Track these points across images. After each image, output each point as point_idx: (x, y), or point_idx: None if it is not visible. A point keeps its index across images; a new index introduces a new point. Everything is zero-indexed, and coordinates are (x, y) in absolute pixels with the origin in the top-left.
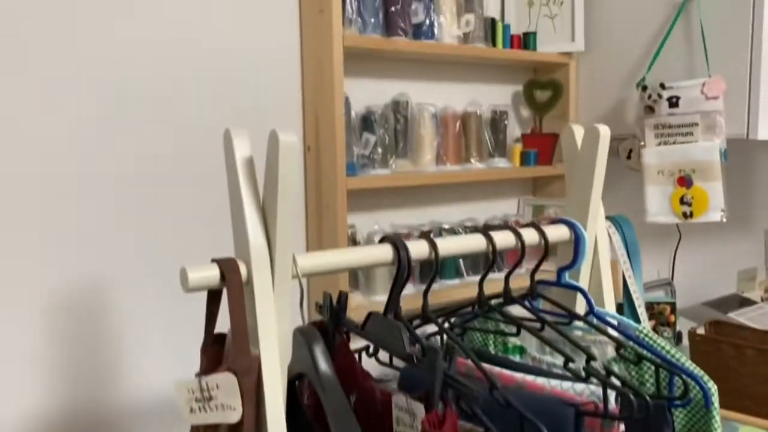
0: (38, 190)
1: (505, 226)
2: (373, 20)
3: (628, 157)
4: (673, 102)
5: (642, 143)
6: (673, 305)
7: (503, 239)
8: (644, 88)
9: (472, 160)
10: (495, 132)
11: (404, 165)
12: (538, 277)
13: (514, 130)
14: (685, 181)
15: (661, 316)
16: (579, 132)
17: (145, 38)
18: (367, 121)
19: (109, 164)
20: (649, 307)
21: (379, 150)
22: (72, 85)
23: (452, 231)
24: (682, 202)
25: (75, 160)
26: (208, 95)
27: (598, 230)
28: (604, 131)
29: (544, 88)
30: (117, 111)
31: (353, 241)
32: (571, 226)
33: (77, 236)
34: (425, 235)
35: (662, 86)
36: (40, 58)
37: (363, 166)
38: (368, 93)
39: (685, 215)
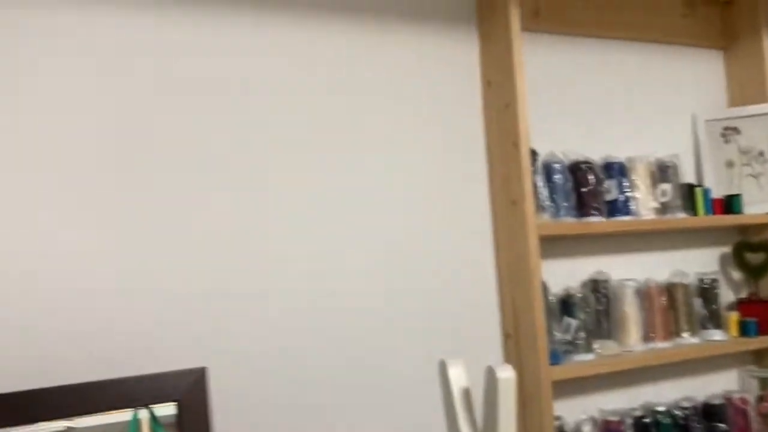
0: None
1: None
2: (565, 204)
3: None
4: None
5: None
6: None
7: None
8: None
9: (684, 335)
10: (706, 301)
11: (609, 346)
12: None
13: (726, 296)
14: None
15: None
16: None
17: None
18: (566, 305)
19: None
20: None
21: (582, 334)
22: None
23: (668, 414)
24: None
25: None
26: (405, 291)
27: None
28: None
29: (756, 250)
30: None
31: None
32: None
33: None
34: None
35: None
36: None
37: (565, 352)
38: (564, 273)
39: None
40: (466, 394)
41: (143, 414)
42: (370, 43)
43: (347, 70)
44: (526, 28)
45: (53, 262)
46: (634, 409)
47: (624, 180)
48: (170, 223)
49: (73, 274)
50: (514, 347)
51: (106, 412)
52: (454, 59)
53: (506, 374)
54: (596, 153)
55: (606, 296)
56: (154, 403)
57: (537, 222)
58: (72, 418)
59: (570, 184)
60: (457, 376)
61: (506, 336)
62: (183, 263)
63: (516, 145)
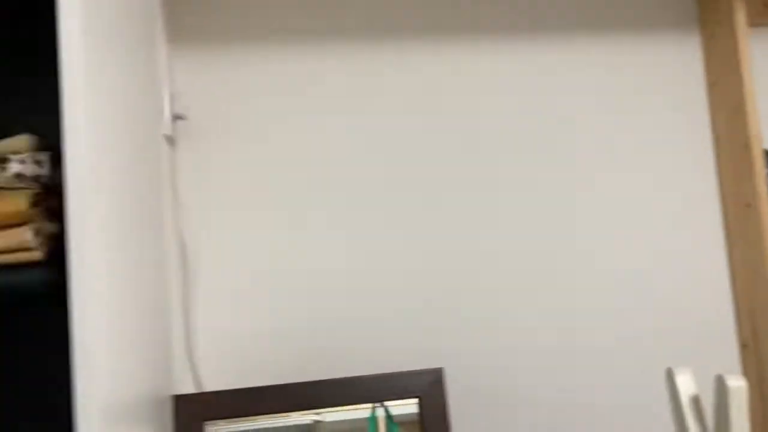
0: None
1: None
2: None
3: None
4: None
5: None
6: None
7: None
8: None
9: None
10: None
11: None
12: None
13: None
14: None
15: None
16: None
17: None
18: None
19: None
20: None
21: None
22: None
23: None
24: None
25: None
26: (634, 301)
27: None
28: None
29: None
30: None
31: None
32: None
33: None
34: None
35: None
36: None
37: None
38: None
39: None
40: (696, 402)
41: (380, 412)
42: (592, 57)
43: (574, 83)
44: (753, 23)
45: (309, 263)
46: None
47: None
48: (422, 231)
49: (326, 279)
50: (753, 358)
51: (350, 407)
52: (676, 63)
53: (737, 383)
54: None
55: None
56: (394, 400)
57: None
58: (320, 411)
59: None
60: (686, 384)
61: (743, 346)
62: (428, 267)
63: (747, 146)
